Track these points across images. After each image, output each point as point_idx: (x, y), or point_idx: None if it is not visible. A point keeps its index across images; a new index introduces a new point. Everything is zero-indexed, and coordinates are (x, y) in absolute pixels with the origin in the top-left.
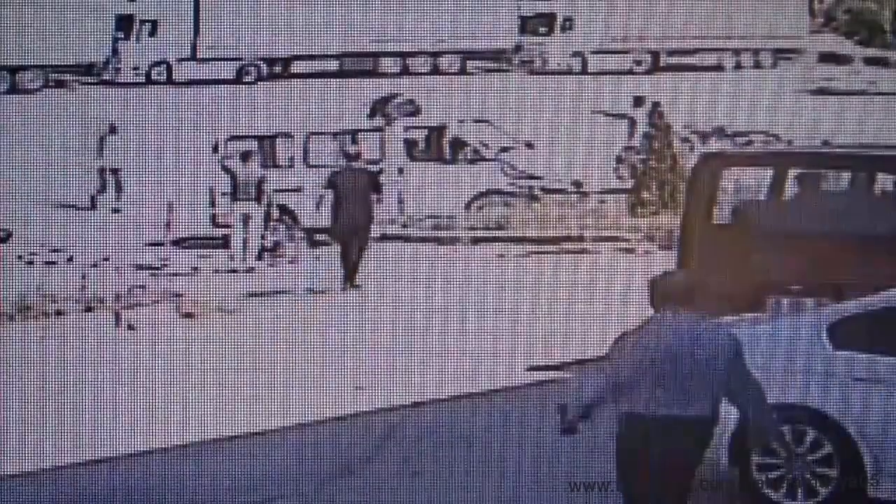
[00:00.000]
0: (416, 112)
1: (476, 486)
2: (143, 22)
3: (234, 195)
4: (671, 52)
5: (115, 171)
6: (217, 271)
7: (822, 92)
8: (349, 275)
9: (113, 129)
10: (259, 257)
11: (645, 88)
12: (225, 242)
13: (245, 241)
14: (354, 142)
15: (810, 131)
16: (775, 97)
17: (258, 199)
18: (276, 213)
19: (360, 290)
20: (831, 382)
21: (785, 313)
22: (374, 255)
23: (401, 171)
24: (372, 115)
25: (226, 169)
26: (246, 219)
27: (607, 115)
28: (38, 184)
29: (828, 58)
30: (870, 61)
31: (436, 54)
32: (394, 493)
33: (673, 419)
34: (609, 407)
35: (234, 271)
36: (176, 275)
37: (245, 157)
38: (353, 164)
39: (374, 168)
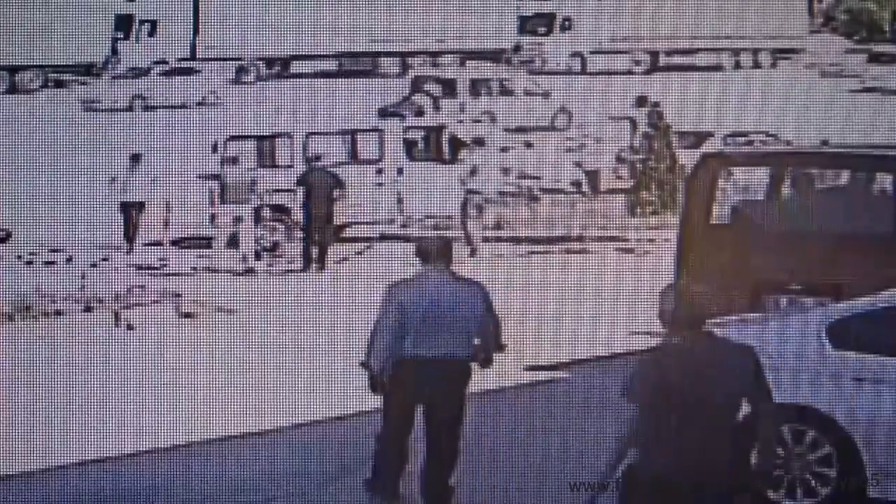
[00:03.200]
0: (422, 112)
1: (476, 486)
2: (142, 22)
3: (223, 197)
4: (670, 53)
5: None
6: (217, 271)
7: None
8: (318, 258)
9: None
10: (257, 257)
11: (644, 88)
12: (209, 244)
13: (237, 243)
14: (339, 143)
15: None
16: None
17: (249, 201)
18: (267, 214)
19: (362, 291)
20: (831, 382)
21: (784, 313)
22: (374, 255)
23: (400, 171)
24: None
25: (215, 175)
26: (236, 220)
27: (612, 118)
28: (38, 184)
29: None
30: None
31: (436, 54)
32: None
33: (434, 359)
34: None
35: (231, 271)
36: (176, 275)
37: (234, 160)
38: (318, 164)
39: (377, 166)
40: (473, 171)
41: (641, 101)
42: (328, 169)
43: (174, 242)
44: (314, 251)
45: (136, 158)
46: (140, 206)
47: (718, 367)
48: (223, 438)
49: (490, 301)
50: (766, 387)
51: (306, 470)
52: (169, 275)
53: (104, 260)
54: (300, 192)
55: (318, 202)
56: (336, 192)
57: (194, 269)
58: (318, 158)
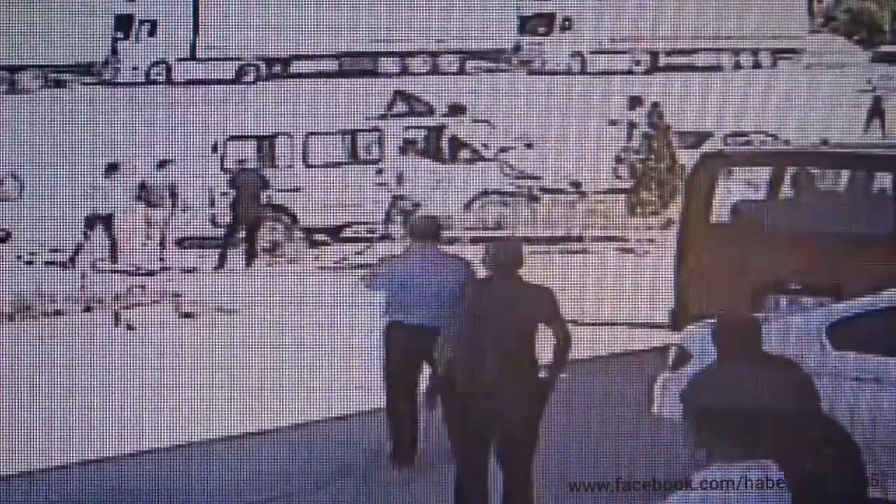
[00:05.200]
0: (427, 112)
1: None
2: (142, 22)
3: (140, 197)
4: (670, 53)
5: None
6: (217, 271)
7: None
8: (246, 259)
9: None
10: (250, 255)
11: (645, 88)
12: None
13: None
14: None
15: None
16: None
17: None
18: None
19: (362, 291)
20: (831, 382)
21: (784, 313)
22: (374, 254)
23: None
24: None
25: (143, 186)
26: (148, 222)
27: (614, 123)
28: (37, 184)
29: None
30: None
31: (435, 54)
32: (394, 493)
33: (420, 326)
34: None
35: (232, 270)
36: (175, 275)
37: (163, 163)
38: (246, 166)
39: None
40: (400, 178)
41: (635, 102)
42: (256, 170)
43: (177, 242)
44: (246, 249)
45: (112, 167)
46: (108, 218)
47: (524, 302)
48: (223, 438)
49: (474, 274)
50: (559, 316)
51: (306, 470)
52: (169, 275)
53: (104, 260)
54: (230, 193)
55: (246, 203)
56: (264, 194)
57: (195, 269)
58: (243, 161)
